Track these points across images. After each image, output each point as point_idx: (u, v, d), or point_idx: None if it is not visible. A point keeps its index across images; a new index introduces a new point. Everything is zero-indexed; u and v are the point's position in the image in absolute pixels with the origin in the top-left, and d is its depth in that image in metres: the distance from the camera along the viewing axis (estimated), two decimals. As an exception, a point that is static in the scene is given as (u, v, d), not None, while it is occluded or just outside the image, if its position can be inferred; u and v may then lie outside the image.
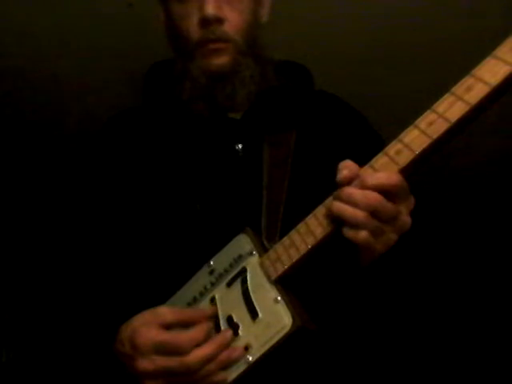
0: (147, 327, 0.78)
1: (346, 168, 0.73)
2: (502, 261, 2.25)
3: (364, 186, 0.71)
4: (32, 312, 0.98)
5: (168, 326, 0.79)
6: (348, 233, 0.72)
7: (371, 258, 0.78)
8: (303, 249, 0.76)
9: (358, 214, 0.70)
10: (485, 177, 2.12)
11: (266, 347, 0.73)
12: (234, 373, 0.75)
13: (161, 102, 1.07)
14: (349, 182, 0.73)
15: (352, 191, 0.71)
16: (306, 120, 1.05)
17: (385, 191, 0.70)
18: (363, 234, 0.71)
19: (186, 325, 0.79)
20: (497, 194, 2.19)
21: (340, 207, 0.72)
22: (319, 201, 0.79)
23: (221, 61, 0.98)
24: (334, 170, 0.76)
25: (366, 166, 0.74)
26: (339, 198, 0.72)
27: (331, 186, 0.77)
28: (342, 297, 0.88)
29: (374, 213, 0.70)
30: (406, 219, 0.74)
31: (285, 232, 0.83)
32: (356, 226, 0.71)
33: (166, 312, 0.80)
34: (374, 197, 0.70)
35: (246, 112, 1.03)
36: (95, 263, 0.96)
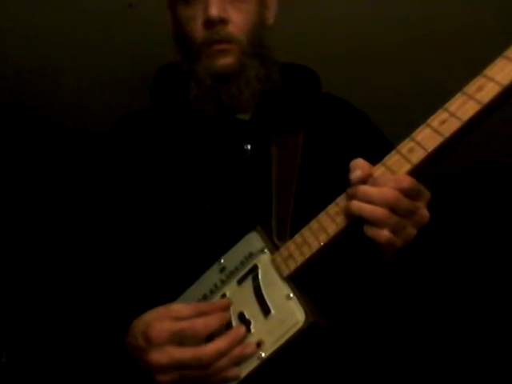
0: (161, 320, 0.78)
1: (359, 168, 0.74)
2: (498, 267, 2.26)
3: (379, 184, 0.72)
4: (40, 309, 0.98)
5: (182, 320, 0.79)
6: (370, 232, 0.72)
7: (392, 253, 0.78)
8: (315, 246, 0.77)
9: (377, 211, 0.71)
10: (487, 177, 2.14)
11: (279, 343, 0.74)
12: (246, 369, 0.75)
13: (169, 103, 1.08)
14: (362, 182, 0.74)
15: (367, 189, 0.72)
16: (313, 121, 1.06)
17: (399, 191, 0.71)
18: (385, 233, 0.71)
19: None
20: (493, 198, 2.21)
21: (359, 206, 0.72)
22: (327, 200, 0.80)
23: (226, 61, 0.99)
24: (341, 171, 0.77)
25: (379, 165, 0.75)
26: (355, 197, 0.73)
27: (339, 185, 0.78)
28: (359, 293, 0.88)
29: (392, 208, 0.71)
30: (424, 213, 0.75)
31: (295, 231, 0.84)
32: (376, 224, 0.71)
33: (180, 307, 0.81)
34: (390, 192, 0.70)
35: (255, 113, 1.04)
36: (106, 261, 0.96)
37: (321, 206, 0.80)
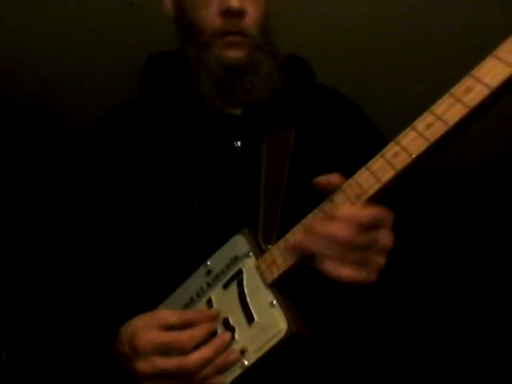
0: (147, 329, 0.78)
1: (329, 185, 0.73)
2: (499, 264, 2.23)
3: (334, 218, 0.69)
4: (31, 313, 0.98)
5: (169, 328, 0.78)
6: (326, 268, 0.69)
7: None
8: None
9: (323, 246, 0.68)
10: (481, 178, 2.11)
11: (262, 352, 0.73)
12: (229, 377, 0.75)
13: (161, 96, 1.06)
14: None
15: (321, 225, 0.69)
16: (306, 116, 1.03)
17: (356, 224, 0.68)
18: (347, 271, 0.68)
19: (187, 326, 0.79)
20: (494, 196, 2.18)
21: (307, 241, 0.71)
22: (317, 199, 0.78)
23: (237, 54, 0.97)
24: (333, 168, 0.75)
25: (363, 169, 0.72)
26: (307, 231, 0.71)
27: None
28: (338, 300, 0.87)
29: (347, 247, 0.68)
30: (385, 241, 0.70)
31: (282, 232, 0.82)
32: (332, 259, 0.68)
33: (167, 314, 0.80)
34: (343, 231, 0.67)
35: (246, 108, 1.02)
36: (91, 262, 0.95)
37: (310, 206, 0.78)
